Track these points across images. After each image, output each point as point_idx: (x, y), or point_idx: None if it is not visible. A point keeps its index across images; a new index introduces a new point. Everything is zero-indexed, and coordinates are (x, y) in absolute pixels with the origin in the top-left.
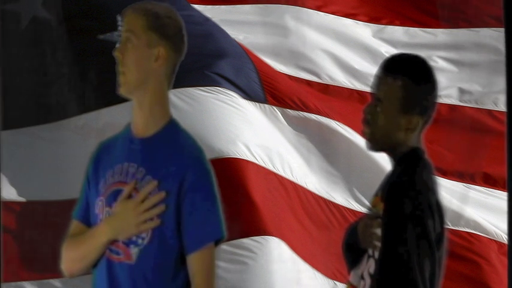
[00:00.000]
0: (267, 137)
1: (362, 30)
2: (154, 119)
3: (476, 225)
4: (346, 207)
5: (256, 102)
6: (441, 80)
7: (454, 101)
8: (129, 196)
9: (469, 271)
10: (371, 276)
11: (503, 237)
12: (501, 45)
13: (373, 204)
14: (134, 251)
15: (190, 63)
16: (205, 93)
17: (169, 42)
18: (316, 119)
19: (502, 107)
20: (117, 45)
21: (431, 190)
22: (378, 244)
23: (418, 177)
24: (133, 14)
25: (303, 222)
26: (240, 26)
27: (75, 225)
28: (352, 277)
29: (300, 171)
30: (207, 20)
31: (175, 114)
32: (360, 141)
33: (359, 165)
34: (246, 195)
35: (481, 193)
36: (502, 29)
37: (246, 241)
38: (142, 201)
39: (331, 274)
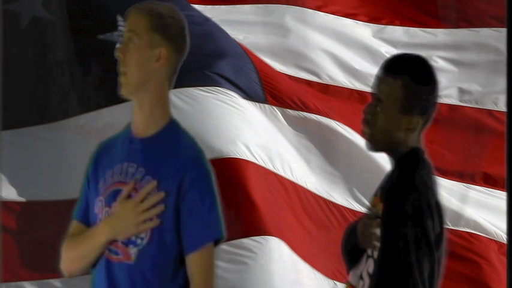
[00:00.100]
0: (267, 137)
1: (362, 30)
2: (155, 119)
3: (476, 225)
4: (346, 207)
5: (256, 102)
6: (441, 80)
7: (454, 101)
8: (129, 196)
9: (469, 271)
10: (370, 276)
11: (503, 237)
12: (501, 45)
13: (373, 204)
14: (133, 251)
15: (190, 63)
16: (205, 93)
17: (171, 43)
18: (316, 119)
19: (502, 107)
20: (118, 45)
21: (430, 190)
22: (377, 244)
23: (418, 177)
24: (137, 14)
25: (303, 222)
26: (240, 26)
27: (74, 225)
28: (351, 277)
29: (300, 171)
30: (207, 20)
31: (175, 114)
32: (360, 141)
33: (359, 165)
34: (246, 195)
35: (481, 193)
36: (502, 29)
37: (246, 241)
38: (142, 201)
39: (331, 274)
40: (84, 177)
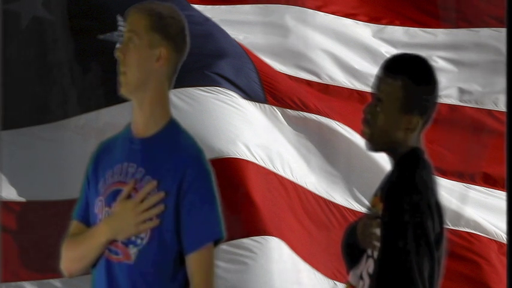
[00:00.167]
0: (267, 137)
1: (362, 30)
2: (155, 119)
3: (476, 225)
4: (346, 207)
5: (256, 102)
6: (441, 80)
7: (454, 101)
8: (129, 196)
9: (469, 271)
10: (370, 276)
11: (503, 237)
12: (501, 45)
13: (373, 204)
14: (133, 251)
15: (190, 63)
16: (205, 93)
17: (171, 43)
18: (316, 119)
19: (502, 107)
20: (118, 45)
21: (431, 190)
22: (377, 244)
23: (418, 177)
24: (137, 14)
25: (303, 222)
26: (240, 26)
27: (74, 225)
28: (351, 277)
29: (300, 171)
30: (207, 20)
31: (175, 114)
32: (360, 141)
33: (359, 165)
34: (246, 195)
35: (481, 193)
36: (502, 29)
37: (246, 241)
38: (142, 201)
39: (330, 274)
40: (84, 177)
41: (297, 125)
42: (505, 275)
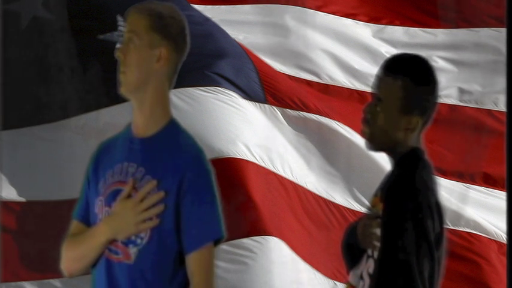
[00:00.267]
0: (267, 137)
1: (362, 30)
2: (155, 119)
3: (476, 225)
4: (346, 207)
5: (256, 102)
6: (441, 80)
7: (454, 101)
8: (129, 196)
9: (469, 271)
10: (370, 276)
11: (503, 237)
12: (501, 45)
13: (373, 205)
14: (133, 250)
15: (190, 63)
16: (205, 93)
17: (171, 43)
18: (316, 119)
19: (502, 107)
20: (118, 45)
21: (431, 190)
22: (377, 244)
23: (418, 178)
24: (136, 14)
25: (303, 222)
26: (240, 26)
27: (75, 225)
28: (352, 277)
29: (300, 171)
30: (207, 20)
31: (175, 114)
32: (360, 141)
33: (359, 165)
34: (246, 195)
35: (481, 193)
36: (502, 29)
37: (246, 241)
38: (142, 200)
39: (331, 274)
40: (84, 177)
41: (297, 125)
42: (505, 275)
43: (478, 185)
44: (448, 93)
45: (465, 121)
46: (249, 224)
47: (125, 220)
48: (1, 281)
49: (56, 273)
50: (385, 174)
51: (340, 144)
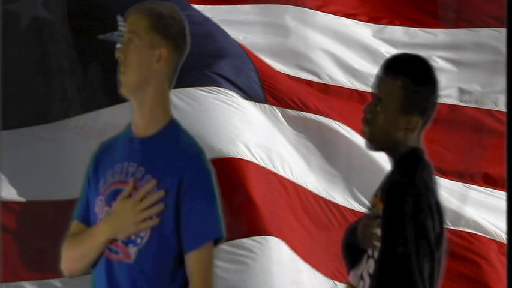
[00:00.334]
0: (267, 137)
1: (362, 30)
2: (155, 119)
3: (476, 225)
4: (346, 207)
5: (256, 102)
6: (441, 80)
7: (454, 101)
8: (129, 195)
9: (469, 271)
10: (370, 276)
11: (503, 237)
12: (501, 45)
13: (373, 205)
14: (133, 250)
15: (190, 63)
16: (205, 93)
17: (171, 43)
18: (316, 119)
19: (502, 107)
20: (118, 46)
21: (431, 190)
22: (378, 244)
23: (418, 178)
24: (136, 14)
25: (303, 222)
26: (240, 26)
27: (75, 225)
28: (352, 277)
29: (300, 171)
30: (207, 20)
31: (175, 114)
32: (360, 141)
33: (359, 165)
34: (246, 195)
35: (481, 193)
36: (502, 29)
37: (246, 241)
38: (141, 200)
39: (331, 274)
40: (84, 177)
41: (297, 125)
42: (505, 275)
43: (478, 185)
44: (448, 93)
45: (465, 121)
46: (249, 224)
47: (125, 219)
48: (1, 281)
49: (56, 273)
50: (385, 174)
51: (340, 144)
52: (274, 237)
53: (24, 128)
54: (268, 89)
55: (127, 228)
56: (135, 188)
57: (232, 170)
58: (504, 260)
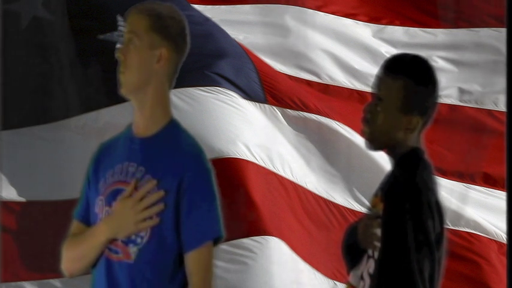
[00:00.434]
0: (267, 137)
1: (362, 30)
2: (155, 119)
3: (476, 225)
4: (346, 207)
5: (256, 102)
6: (441, 80)
7: (454, 101)
8: (130, 195)
9: (469, 271)
10: (371, 276)
11: (503, 237)
12: (501, 45)
13: (373, 205)
14: (133, 250)
15: (190, 63)
16: (205, 93)
17: (171, 43)
18: (316, 119)
19: (502, 107)
20: (118, 46)
21: (431, 190)
22: (378, 244)
23: (418, 178)
24: (136, 14)
25: (303, 222)
26: (240, 26)
27: (75, 225)
28: (352, 277)
29: (300, 171)
30: (207, 20)
31: (175, 114)
32: (360, 141)
33: (359, 165)
34: (246, 195)
35: (481, 193)
36: (502, 29)
37: (246, 241)
38: (141, 199)
39: (331, 274)
40: (84, 177)
41: (297, 125)
42: (505, 275)
43: (478, 185)
44: (448, 93)
45: (465, 121)
46: (249, 224)
47: (125, 219)
48: (1, 281)
49: (56, 273)
50: (385, 174)
51: (340, 144)
52: (274, 237)
53: (24, 128)
54: (268, 89)
55: (127, 227)
56: (136, 188)
57: (232, 170)
58: (504, 260)
